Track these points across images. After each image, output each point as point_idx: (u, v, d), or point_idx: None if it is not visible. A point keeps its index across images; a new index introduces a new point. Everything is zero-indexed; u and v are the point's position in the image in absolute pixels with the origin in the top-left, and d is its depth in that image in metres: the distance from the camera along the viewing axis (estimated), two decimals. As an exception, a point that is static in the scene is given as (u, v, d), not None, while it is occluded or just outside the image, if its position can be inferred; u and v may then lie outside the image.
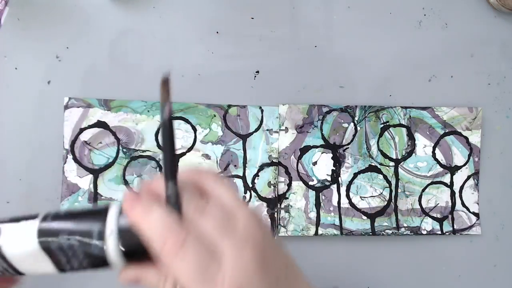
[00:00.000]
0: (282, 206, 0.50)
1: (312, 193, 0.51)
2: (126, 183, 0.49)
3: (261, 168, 0.50)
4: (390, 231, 0.51)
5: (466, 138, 0.53)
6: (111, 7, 0.51)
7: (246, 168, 0.50)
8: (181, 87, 0.51)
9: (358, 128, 0.52)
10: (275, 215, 0.50)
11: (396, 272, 0.52)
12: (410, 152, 0.52)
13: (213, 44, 0.51)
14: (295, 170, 0.51)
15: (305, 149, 0.51)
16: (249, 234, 0.23)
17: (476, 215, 0.53)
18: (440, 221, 0.52)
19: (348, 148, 0.51)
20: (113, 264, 0.25)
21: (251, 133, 0.51)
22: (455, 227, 0.52)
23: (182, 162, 0.50)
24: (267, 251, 0.24)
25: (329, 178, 0.51)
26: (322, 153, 0.51)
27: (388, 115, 0.52)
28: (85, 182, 0.49)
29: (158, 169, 0.49)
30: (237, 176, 0.50)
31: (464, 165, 0.53)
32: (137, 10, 0.51)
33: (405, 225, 0.51)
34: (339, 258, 0.52)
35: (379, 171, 0.52)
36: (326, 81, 0.52)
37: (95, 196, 0.49)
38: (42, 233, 0.25)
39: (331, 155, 0.51)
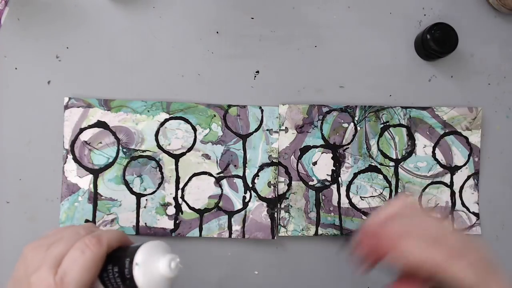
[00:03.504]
0: (282, 206, 0.50)
1: (312, 193, 0.51)
2: (126, 183, 0.49)
3: (261, 168, 0.50)
4: (390, 231, 0.51)
5: (466, 138, 0.53)
6: (111, 7, 0.51)
7: (246, 168, 0.50)
8: (181, 87, 0.51)
9: (358, 128, 0.52)
10: (275, 215, 0.50)
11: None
12: (410, 152, 0.52)
13: (213, 44, 0.51)
14: (295, 170, 0.51)
15: (305, 149, 0.51)
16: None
17: (476, 215, 0.53)
18: (440, 221, 0.52)
19: (348, 148, 0.51)
20: None
21: (251, 133, 0.51)
22: (455, 227, 0.52)
23: (182, 162, 0.50)
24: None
25: (329, 178, 0.51)
26: (322, 153, 0.51)
27: (388, 115, 0.52)
28: (85, 182, 0.49)
29: (157, 169, 0.49)
30: (237, 176, 0.50)
31: (464, 165, 0.53)
32: (137, 10, 0.51)
33: None
34: (339, 258, 0.52)
35: (379, 171, 0.52)
36: (326, 81, 0.52)
37: (95, 196, 0.49)
38: None
39: (331, 155, 0.51)
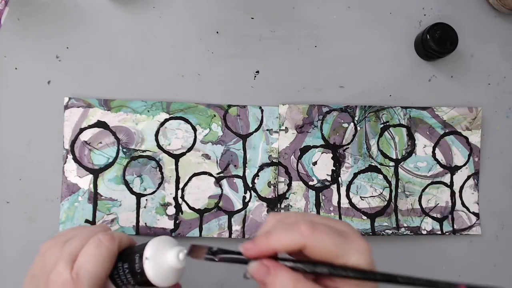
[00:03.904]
0: (282, 206, 0.50)
1: (312, 193, 0.51)
2: (126, 183, 0.49)
3: (261, 168, 0.50)
4: (390, 231, 0.51)
5: (466, 138, 0.53)
6: (111, 7, 0.51)
7: (246, 168, 0.50)
8: (181, 87, 0.51)
9: (358, 128, 0.52)
10: (275, 215, 0.50)
11: (396, 272, 0.52)
12: (410, 152, 0.52)
13: (213, 44, 0.51)
14: (295, 170, 0.51)
15: (305, 149, 0.51)
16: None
17: (476, 215, 0.53)
18: (440, 221, 0.52)
19: (348, 148, 0.51)
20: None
21: (251, 133, 0.51)
22: (455, 227, 0.52)
23: (182, 162, 0.50)
24: None
25: (329, 178, 0.51)
26: (322, 153, 0.51)
27: (388, 115, 0.52)
28: (85, 182, 0.49)
29: (157, 169, 0.49)
30: (237, 176, 0.50)
31: (464, 165, 0.53)
32: (137, 10, 0.51)
33: (405, 225, 0.51)
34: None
35: (379, 171, 0.52)
36: (326, 81, 0.52)
37: (95, 196, 0.49)
38: None
39: (331, 155, 0.51)
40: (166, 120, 0.50)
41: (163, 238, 0.33)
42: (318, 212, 0.50)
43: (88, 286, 0.30)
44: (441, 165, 0.52)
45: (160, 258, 0.31)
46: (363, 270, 0.27)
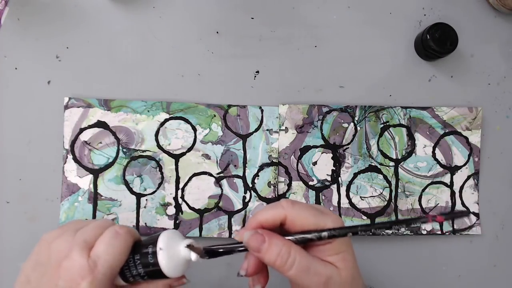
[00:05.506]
0: (282, 206, 0.50)
1: (312, 193, 0.51)
2: (126, 183, 0.49)
3: (261, 168, 0.50)
4: (390, 231, 0.51)
5: (466, 138, 0.53)
6: (111, 7, 0.51)
7: (246, 168, 0.50)
8: (181, 87, 0.51)
9: (358, 128, 0.52)
10: (275, 215, 0.50)
11: (396, 272, 0.52)
12: (410, 152, 0.52)
13: (213, 44, 0.51)
14: (295, 170, 0.51)
15: (305, 149, 0.51)
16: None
17: (476, 215, 0.53)
18: (440, 221, 0.52)
19: (348, 148, 0.51)
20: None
21: (251, 133, 0.51)
22: (455, 227, 0.52)
23: (182, 162, 0.50)
24: None
25: (329, 178, 0.51)
26: (322, 153, 0.51)
27: (388, 115, 0.52)
28: (85, 182, 0.49)
29: (157, 169, 0.49)
30: (237, 176, 0.50)
31: (464, 165, 0.53)
32: (137, 10, 0.51)
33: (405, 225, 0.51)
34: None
35: (379, 171, 0.52)
36: (326, 81, 0.52)
37: (95, 196, 0.49)
38: None
39: (331, 155, 0.51)
40: (166, 120, 0.50)
41: (173, 231, 0.33)
42: (318, 212, 0.50)
43: (104, 275, 0.29)
44: (441, 165, 0.52)
45: (173, 250, 0.32)
46: (345, 226, 0.30)
